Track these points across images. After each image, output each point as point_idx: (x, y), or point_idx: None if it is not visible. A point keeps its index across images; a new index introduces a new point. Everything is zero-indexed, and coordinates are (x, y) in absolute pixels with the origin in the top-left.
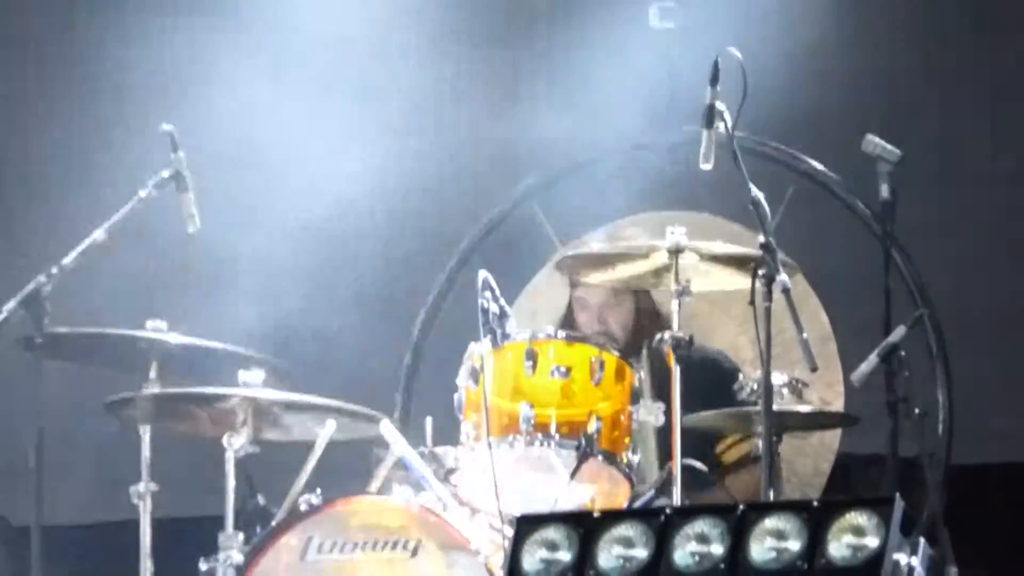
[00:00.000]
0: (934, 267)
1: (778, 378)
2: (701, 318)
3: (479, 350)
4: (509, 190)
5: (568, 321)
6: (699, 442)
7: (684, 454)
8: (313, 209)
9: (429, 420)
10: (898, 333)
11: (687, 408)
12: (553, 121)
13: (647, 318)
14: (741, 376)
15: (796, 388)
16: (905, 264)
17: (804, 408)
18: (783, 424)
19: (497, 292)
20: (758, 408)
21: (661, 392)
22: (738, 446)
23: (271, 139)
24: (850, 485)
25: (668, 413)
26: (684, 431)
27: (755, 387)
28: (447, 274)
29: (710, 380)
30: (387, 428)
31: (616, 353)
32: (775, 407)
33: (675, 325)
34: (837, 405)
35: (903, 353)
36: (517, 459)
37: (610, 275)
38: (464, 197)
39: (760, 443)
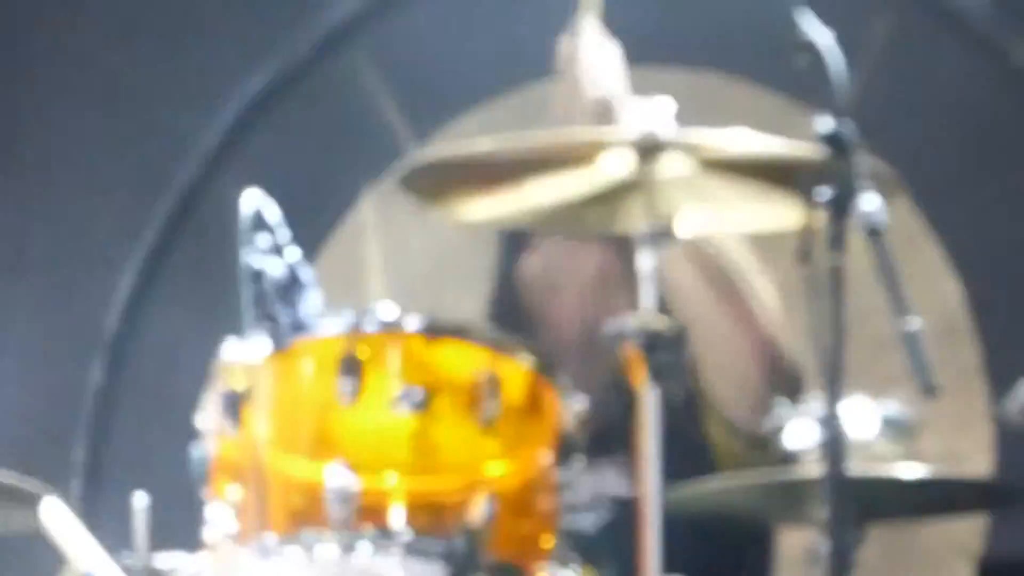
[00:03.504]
0: None
1: (860, 408)
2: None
3: (242, 357)
4: (301, 30)
5: (507, 314)
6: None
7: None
8: None
9: (141, 497)
10: None
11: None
12: None
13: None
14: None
15: (901, 427)
16: None
17: (914, 470)
18: (873, 502)
19: (282, 234)
20: (816, 473)
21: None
22: None
23: None
24: None
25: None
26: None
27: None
28: (168, 205)
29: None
30: (54, 514)
31: (529, 360)
32: (853, 467)
33: (644, 302)
34: (978, 463)
35: None
36: None
37: (512, 202)
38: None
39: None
